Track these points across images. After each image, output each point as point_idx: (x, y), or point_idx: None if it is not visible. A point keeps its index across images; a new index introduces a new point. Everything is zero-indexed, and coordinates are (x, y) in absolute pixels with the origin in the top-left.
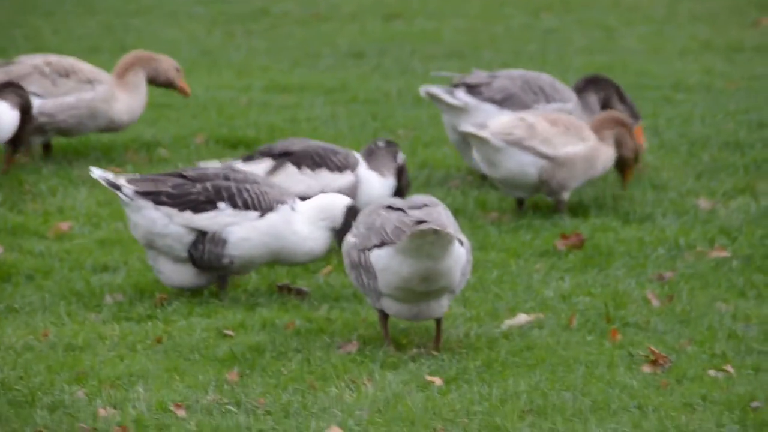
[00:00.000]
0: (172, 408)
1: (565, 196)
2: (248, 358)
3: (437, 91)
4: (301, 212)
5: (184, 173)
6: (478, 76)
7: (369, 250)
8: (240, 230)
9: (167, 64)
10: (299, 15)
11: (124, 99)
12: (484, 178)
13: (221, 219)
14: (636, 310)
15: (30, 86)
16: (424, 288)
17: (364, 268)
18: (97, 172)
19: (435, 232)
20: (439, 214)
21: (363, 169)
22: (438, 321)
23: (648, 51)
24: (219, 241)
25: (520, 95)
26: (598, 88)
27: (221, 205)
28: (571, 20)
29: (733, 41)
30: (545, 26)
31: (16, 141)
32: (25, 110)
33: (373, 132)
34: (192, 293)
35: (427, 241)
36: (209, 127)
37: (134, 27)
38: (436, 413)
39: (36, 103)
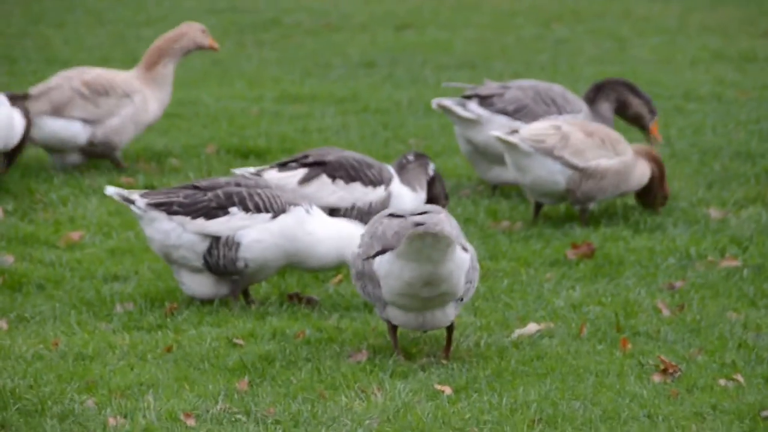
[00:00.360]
0: (182, 417)
1: (590, 206)
2: (258, 367)
3: (449, 103)
4: (317, 217)
5: (196, 184)
6: (490, 87)
7: (372, 258)
8: (252, 232)
9: (191, 34)
10: (310, 25)
11: (154, 98)
12: (495, 188)
13: (233, 223)
14: (646, 319)
15: (74, 111)
16: (426, 293)
17: (368, 276)
18: (110, 190)
19: (433, 234)
20: (440, 220)
21: (396, 184)
22: (449, 330)
23: (659, 61)
24: (232, 244)
25: (532, 106)
26: (608, 93)
27: (233, 209)
28: (582, 30)
29: (745, 51)
30: (556, 36)
31: (14, 152)
32: (28, 124)
33: (384, 141)
34: (202, 303)
35: (426, 244)
36: (220, 137)
37: (145, 37)
38: (445, 422)
39: (86, 131)
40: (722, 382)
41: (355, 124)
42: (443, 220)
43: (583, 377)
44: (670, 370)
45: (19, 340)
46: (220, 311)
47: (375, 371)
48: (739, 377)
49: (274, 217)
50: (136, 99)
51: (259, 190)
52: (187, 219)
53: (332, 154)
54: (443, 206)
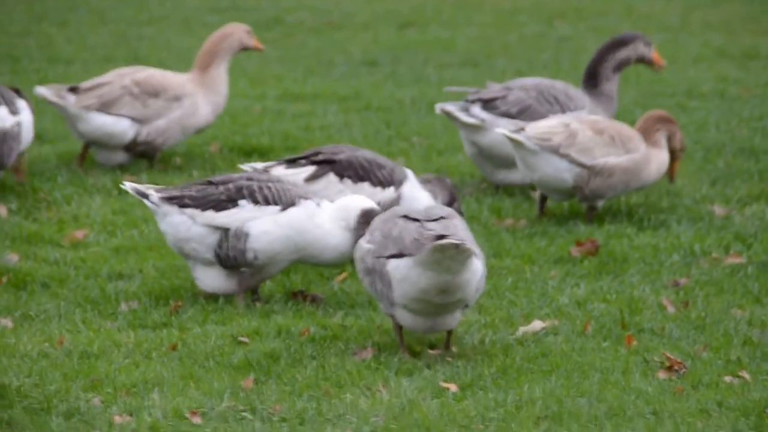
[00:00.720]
0: (188, 415)
1: (599, 204)
2: (263, 365)
3: (453, 109)
4: (325, 210)
5: (211, 180)
6: (492, 90)
7: (386, 258)
8: (261, 224)
9: (237, 34)
10: (313, 24)
11: (207, 101)
12: (498, 187)
13: (242, 215)
14: (651, 316)
15: (122, 109)
16: (440, 300)
17: (378, 274)
18: (128, 186)
19: (456, 246)
20: (456, 228)
21: (410, 186)
22: (449, 331)
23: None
24: (241, 235)
25: (536, 106)
26: (599, 72)
27: (242, 202)
28: (584, 28)
29: (747, 48)
30: (559, 34)
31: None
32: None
33: (387, 140)
34: (206, 301)
35: (447, 256)
36: (223, 136)
37: (147, 36)
38: (451, 420)
39: (133, 129)
40: (727, 378)
41: (357, 123)
42: (459, 227)
43: (588, 374)
44: (676, 367)
45: (24, 339)
46: (225, 309)
47: (380, 369)
48: (745, 374)
49: (284, 209)
50: (185, 103)
51: (270, 184)
52: (198, 211)
53: (344, 152)
54: None
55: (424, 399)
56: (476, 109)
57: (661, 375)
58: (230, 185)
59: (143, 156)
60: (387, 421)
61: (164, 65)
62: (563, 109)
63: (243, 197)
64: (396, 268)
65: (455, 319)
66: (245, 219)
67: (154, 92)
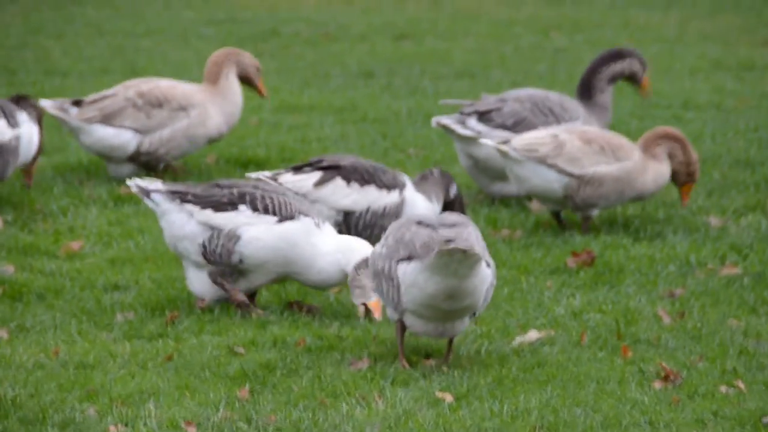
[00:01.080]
0: (183, 426)
1: (593, 213)
2: (259, 375)
3: (449, 121)
4: (327, 233)
5: (218, 183)
6: (487, 102)
7: (396, 262)
8: (254, 230)
9: (249, 61)
10: (309, 35)
11: (218, 110)
12: (493, 200)
13: (239, 219)
14: (647, 326)
15: (124, 121)
16: (447, 306)
17: (387, 277)
18: (131, 183)
19: (463, 251)
20: (469, 234)
21: (410, 191)
22: (450, 338)
23: (658, 70)
24: (232, 236)
25: (531, 118)
26: (593, 84)
27: (242, 207)
28: (581, 40)
29: (743, 60)
30: (555, 46)
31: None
32: (40, 123)
33: (383, 151)
34: (202, 311)
35: (455, 260)
36: (220, 147)
37: (144, 48)
38: (446, 430)
39: (134, 142)
40: (723, 388)
41: (354, 134)
42: (471, 234)
43: (584, 384)
44: (671, 377)
45: (20, 350)
46: (221, 320)
47: (376, 379)
48: (740, 384)
49: (280, 221)
50: (192, 113)
51: (273, 195)
52: (197, 208)
53: (347, 159)
54: None
55: (419, 409)
56: (472, 122)
57: (657, 385)
58: (234, 189)
59: (146, 167)
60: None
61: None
62: (558, 121)
63: (244, 203)
64: (404, 272)
65: (464, 324)
66: (241, 223)
67: (157, 103)
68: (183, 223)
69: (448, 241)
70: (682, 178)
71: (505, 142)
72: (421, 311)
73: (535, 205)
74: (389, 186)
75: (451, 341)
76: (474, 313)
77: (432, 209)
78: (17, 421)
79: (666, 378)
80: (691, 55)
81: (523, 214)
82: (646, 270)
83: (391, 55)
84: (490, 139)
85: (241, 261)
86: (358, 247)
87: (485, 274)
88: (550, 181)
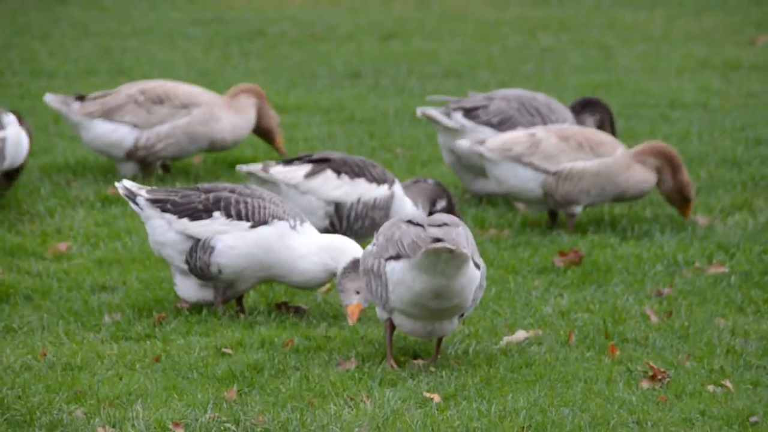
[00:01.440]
0: (171, 427)
1: (576, 210)
2: (247, 376)
3: (434, 113)
4: (306, 234)
5: (198, 186)
6: (474, 99)
7: (385, 260)
8: (228, 238)
9: (272, 114)
10: (296, 36)
11: (228, 119)
12: (482, 198)
13: (213, 227)
14: (634, 326)
15: (125, 116)
16: (435, 305)
17: (376, 275)
18: (119, 185)
19: (450, 251)
20: (458, 235)
21: (398, 188)
22: (439, 339)
23: (645, 70)
24: (207, 248)
25: (517, 117)
26: (594, 111)
27: (216, 214)
28: (567, 39)
29: (730, 59)
30: (542, 46)
31: (17, 170)
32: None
33: (370, 151)
34: (190, 312)
35: (442, 259)
36: None
37: (131, 49)
38: (434, 430)
39: (132, 136)
40: (711, 387)
41: (341, 134)
42: (461, 234)
43: (572, 384)
44: (659, 377)
45: (7, 351)
46: (209, 321)
47: (364, 379)
48: (728, 383)
49: (254, 226)
50: (194, 112)
51: (248, 199)
52: (174, 218)
53: (336, 154)
54: None
55: (407, 409)
56: (457, 116)
57: (645, 384)
58: (211, 195)
59: (143, 163)
60: None
61: (148, 78)
62: (544, 121)
63: (218, 209)
64: (392, 270)
65: (453, 324)
66: (215, 231)
67: (158, 100)
68: (164, 230)
69: (436, 240)
70: (677, 202)
71: (482, 142)
72: (409, 310)
73: (522, 205)
74: (379, 180)
75: (439, 341)
76: (462, 314)
77: (417, 214)
78: (4, 423)
79: (653, 377)
80: (678, 55)
81: (511, 213)
82: (633, 269)
83: (378, 55)
84: (467, 140)
85: (220, 272)
86: (346, 248)
87: (473, 275)
88: (527, 179)
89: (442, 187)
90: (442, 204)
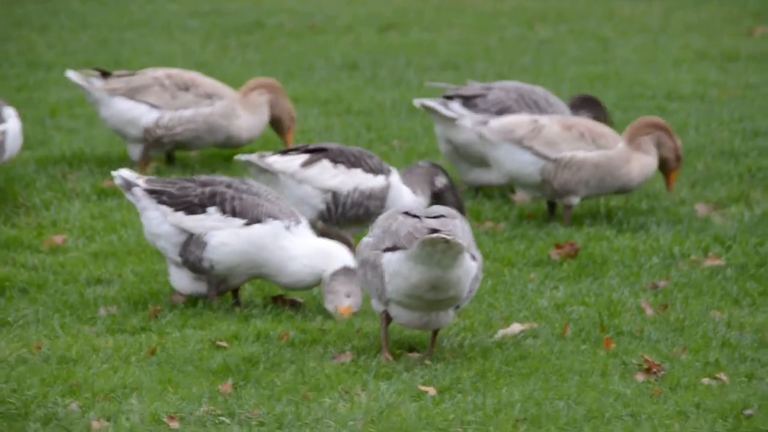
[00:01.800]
0: (166, 420)
1: (573, 201)
2: (242, 369)
3: (432, 103)
4: (299, 236)
5: (195, 179)
6: (472, 87)
7: (381, 251)
8: (221, 235)
9: (287, 107)
10: (293, 27)
11: (244, 117)
12: (477, 190)
13: (208, 222)
14: (630, 318)
15: (149, 97)
16: (431, 296)
17: (372, 267)
18: (116, 174)
19: (446, 241)
20: (455, 226)
21: (395, 178)
22: (435, 330)
23: (642, 61)
24: (201, 243)
25: (515, 108)
26: (591, 109)
27: (211, 209)
28: (565, 31)
29: (728, 50)
30: (539, 37)
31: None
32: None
33: (368, 143)
34: (185, 305)
35: (438, 250)
36: None
37: (128, 41)
38: (429, 423)
39: (153, 114)
40: (706, 380)
41: (338, 126)
42: (457, 225)
43: (567, 377)
44: (654, 369)
45: (2, 344)
46: (204, 314)
47: (359, 372)
48: (723, 376)
49: (248, 224)
50: (217, 104)
51: (244, 195)
52: (170, 210)
53: (332, 144)
54: None
55: (402, 402)
56: (455, 105)
57: (640, 377)
58: (207, 189)
59: (158, 146)
60: (365, 425)
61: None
62: (542, 114)
63: (214, 204)
64: (389, 261)
65: (449, 316)
66: (209, 227)
67: (184, 86)
68: (159, 222)
69: (433, 231)
70: (672, 164)
71: (484, 123)
72: (406, 301)
73: (518, 197)
74: (375, 170)
75: (435, 334)
76: (458, 306)
77: (418, 202)
78: None
79: (648, 370)
80: (675, 46)
81: (507, 206)
82: (629, 262)
83: (376, 46)
84: (469, 120)
85: (212, 267)
86: (337, 254)
87: (469, 266)
88: (525, 164)
89: (436, 165)
90: (441, 181)
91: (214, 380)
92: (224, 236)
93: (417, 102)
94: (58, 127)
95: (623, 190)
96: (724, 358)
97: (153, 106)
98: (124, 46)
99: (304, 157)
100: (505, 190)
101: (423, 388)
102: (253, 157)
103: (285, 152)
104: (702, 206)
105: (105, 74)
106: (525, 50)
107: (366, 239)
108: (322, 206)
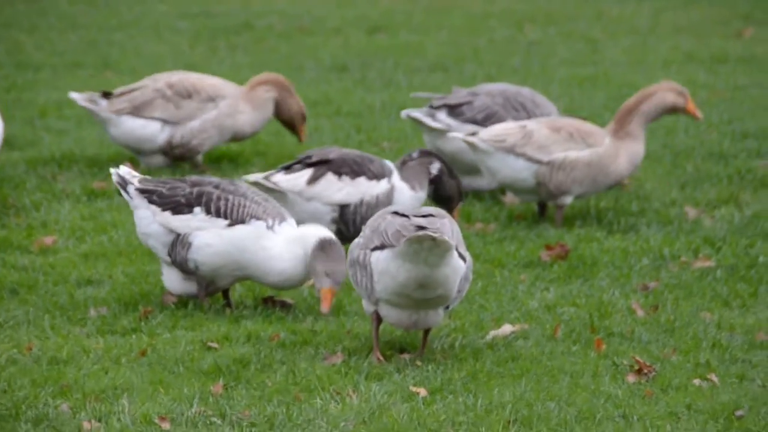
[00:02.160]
0: (157, 421)
1: (566, 201)
2: (233, 370)
3: (419, 114)
4: (280, 234)
5: (185, 179)
6: (458, 95)
7: (370, 250)
8: (205, 236)
9: (297, 105)
10: (283, 29)
11: (248, 111)
12: (467, 193)
13: (193, 222)
14: (621, 320)
15: (154, 112)
16: (420, 295)
17: (361, 266)
18: (114, 172)
19: (432, 239)
20: (443, 225)
21: (396, 178)
22: (426, 331)
23: (631, 63)
24: (185, 243)
25: (502, 113)
26: None
27: (196, 209)
28: (554, 33)
29: (717, 52)
30: (529, 39)
31: None
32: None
33: (357, 144)
34: (176, 306)
35: (424, 248)
36: None
37: (117, 42)
38: (420, 424)
39: (165, 132)
40: (696, 381)
41: (328, 128)
42: (446, 225)
43: (558, 378)
44: (645, 371)
45: None
46: (195, 315)
47: (350, 373)
48: (714, 377)
49: (231, 225)
50: (221, 104)
51: (229, 196)
52: (158, 210)
53: (333, 152)
54: (455, 206)
55: (393, 403)
56: (442, 115)
57: (631, 378)
58: (195, 189)
59: (182, 159)
60: (356, 426)
61: (134, 71)
62: (530, 116)
63: (199, 204)
64: (377, 259)
65: (438, 316)
66: (194, 227)
67: (186, 94)
68: (149, 222)
69: (420, 228)
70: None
71: (473, 134)
72: (395, 300)
73: (508, 198)
74: (378, 175)
75: (426, 335)
76: (447, 306)
77: (416, 198)
78: None
79: (639, 371)
80: (664, 48)
81: (497, 207)
82: (619, 263)
83: (365, 48)
84: (459, 133)
85: (197, 267)
86: (312, 231)
87: (457, 265)
88: (520, 170)
89: (428, 152)
90: (436, 167)
91: (205, 381)
92: (208, 237)
93: (404, 113)
94: (48, 128)
95: (617, 185)
96: (715, 359)
97: (161, 120)
98: (113, 47)
99: (309, 172)
100: (496, 191)
101: (414, 389)
102: (259, 178)
103: (288, 167)
104: (688, 211)
105: (107, 94)
106: (514, 52)
107: (357, 240)
108: (332, 227)
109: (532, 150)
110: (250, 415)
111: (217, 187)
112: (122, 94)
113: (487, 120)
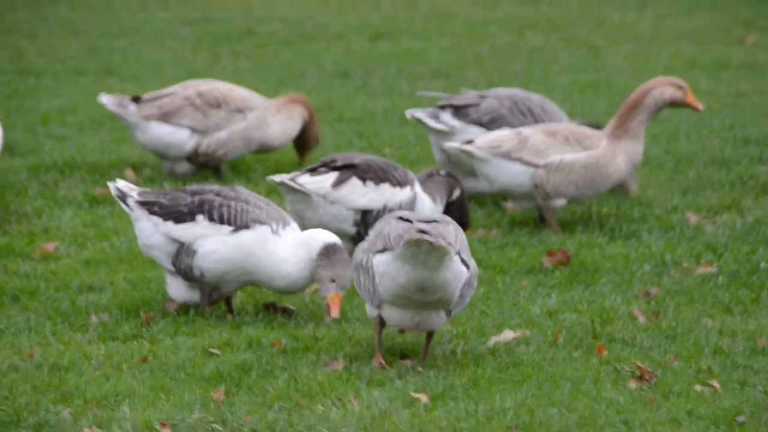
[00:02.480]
0: (158, 427)
1: (557, 203)
2: (234, 376)
3: (422, 115)
4: (285, 238)
5: (185, 188)
6: (466, 96)
7: (373, 254)
8: (210, 243)
9: (317, 132)
10: (285, 35)
11: (278, 124)
12: (470, 198)
13: (196, 230)
14: (622, 326)
15: (183, 120)
16: (420, 298)
17: (364, 269)
18: (111, 185)
19: (430, 243)
20: (446, 231)
21: (418, 187)
22: (429, 335)
23: (633, 69)
24: (190, 251)
25: (508, 117)
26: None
27: (199, 217)
28: (556, 39)
29: (719, 59)
30: (530, 45)
31: None
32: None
33: (359, 151)
34: (177, 312)
35: (422, 250)
36: None
37: (119, 48)
38: (422, 430)
39: (192, 142)
40: (698, 387)
41: (329, 134)
42: (449, 231)
43: (560, 384)
44: (646, 377)
45: None
46: (196, 321)
47: (351, 380)
48: (715, 383)
49: (235, 231)
50: (249, 116)
51: (231, 203)
52: (160, 220)
53: (358, 157)
54: None
55: (395, 410)
56: (446, 116)
57: (632, 384)
58: (197, 198)
59: (205, 167)
60: None
61: (137, 78)
62: (536, 122)
63: (202, 212)
64: (378, 262)
65: (441, 318)
66: (198, 235)
67: (216, 103)
68: (151, 233)
69: (421, 233)
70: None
71: (469, 142)
72: (397, 302)
73: (510, 205)
74: (402, 183)
75: (428, 340)
76: (450, 311)
77: (437, 210)
78: None
79: (641, 377)
80: (666, 54)
81: (499, 213)
82: (621, 269)
83: (367, 54)
84: (455, 142)
85: (202, 275)
86: (317, 236)
87: (458, 270)
88: (516, 175)
89: (455, 178)
90: (458, 191)
91: (206, 387)
92: (212, 244)
93: (408, 113)
94: (50, 134)
95: (617, 184)
96: (717, 365)
97: (189, 128)
98: (115, 54)
99: (334, 176)
100: (498, 197)
101: (415, 395)
102: (285, 178)
103: (314, 170)
104: (690, 217)
105: (136, 99)
106: (516, 58)
107: (362, 244)
108: (353, 230)
109: (528, 154)
110: (251, 421)
111: (218, 194)
112: (152, 99)
113: (492, 123)
